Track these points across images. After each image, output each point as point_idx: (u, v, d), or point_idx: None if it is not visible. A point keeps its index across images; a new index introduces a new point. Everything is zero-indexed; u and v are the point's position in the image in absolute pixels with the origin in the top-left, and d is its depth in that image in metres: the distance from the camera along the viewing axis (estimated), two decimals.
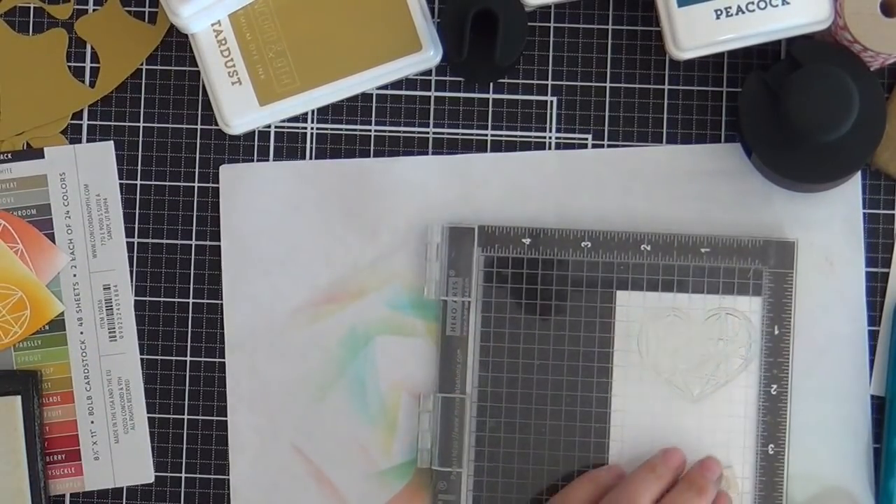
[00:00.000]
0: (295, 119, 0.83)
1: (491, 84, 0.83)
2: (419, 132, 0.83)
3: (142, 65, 0.84)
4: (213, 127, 0.84)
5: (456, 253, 0.81)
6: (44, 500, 0.81)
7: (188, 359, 0.83)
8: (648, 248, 0.81)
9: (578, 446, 0.80)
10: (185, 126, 0.84)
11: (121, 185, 0.84)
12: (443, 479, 0.80)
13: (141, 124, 0.84)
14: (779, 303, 0.80)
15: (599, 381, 0.80)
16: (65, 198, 0.83)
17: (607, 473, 0.79)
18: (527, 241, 0.81)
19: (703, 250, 0.80)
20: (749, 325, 0.80)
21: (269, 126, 0.84)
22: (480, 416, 0.81)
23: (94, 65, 0.84)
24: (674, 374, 0.80)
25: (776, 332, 0.80)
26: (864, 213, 0.82)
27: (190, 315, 0.83)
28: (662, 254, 0.81)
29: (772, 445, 0.80)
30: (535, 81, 0.83)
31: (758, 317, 0.80)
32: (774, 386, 0.80)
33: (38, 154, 0.84)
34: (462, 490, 0.80)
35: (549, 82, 0.83)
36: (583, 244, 0.81)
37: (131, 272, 0.83)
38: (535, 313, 0.81)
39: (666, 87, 0.83)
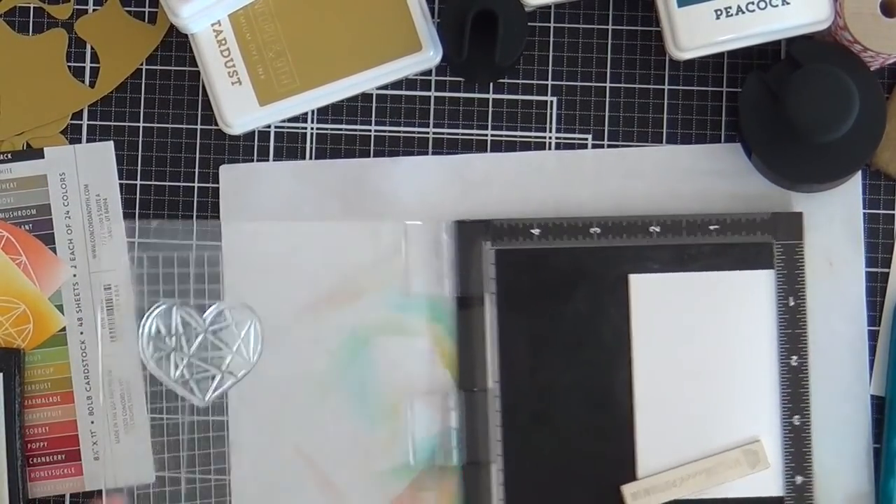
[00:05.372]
0: (295, 119, 0.83)
1: (491, 84, 0.83)
2: (419, 132, 0.83)
3: (142, 65, 0.84)
4: (213, 127, 0.84)
5: (465, 248, 0.81)
6: (20, 477, 0.81)
7: None
8: (658, 229, 0.81)
9: (604, 431, 0.80)
10: (185, 126, 0.84)
11: (121, 185, 0.84)
12: (471, 475, 0.81)
13: (141, 124, 0.84)
14: (791, 274, 0.80)
15: (619, 367, 0.81)
16: (65, 198, 0.83)
17: None
18: (536, 231, 0.81)
19: (711, 227, 0.81)
20: (763, 298, 0.80)
21: (269, 126, 0.84)
22: (504, 410, 0.81)
23: (93, 65, 0.84)
24: (690, 351, 0.80)
25: (791, 303, 0.80)
26: (864, 213, 0.82)
27: None
28: (672, 234, 0.81)
29: (797, 416, 0.80)
30: (535, 81, 0.83)
31: (771, 289, 0.80)
32: (794, 357, 0.80)
33: (37, 154, 0.84)
34: (492, 484, 0.80)
35: (549, 82, 0.83)
36: (592, 230, 0.81)
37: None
38: (550, 303, 0.81)
39: (666, 87, 0.83)
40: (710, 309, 0.81)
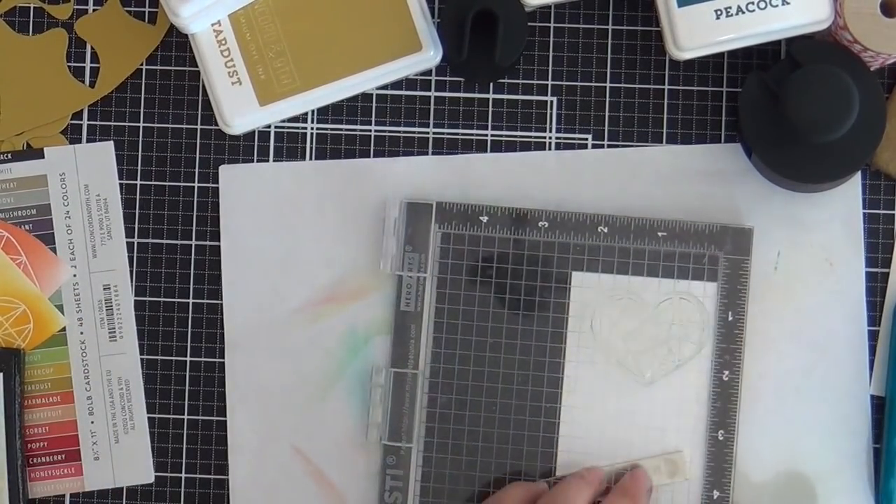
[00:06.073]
0: (295, 119, 0.83)
1: (491, 84, 0.83)
2: (419, 132, 0.83)
3: (142, 65, 0.84)
4: (213, 127, 0.84)
5: (413, 228, 0.81)
6: (20, 477, 0.81)
7: (188, 359, 0.83)
8: (605, 230, 0.81)
9: (529, 426, 0.80)
10: (185, 126, 0.84)
11: (121, 185, 0.84)
12: (392, 453, 0.80)
13: (141, 124, 0.84)
14: (734, 289, 0.80)
15: (552, 362, 0.81)
16: (65, 198, 0.83)
17: (537, 484, 0.79)
18: (484, 219, 0.81)
19: (660, 234, 0.81)
20: (702, 310, 0.80)
21: (269, 126, 0.84)
22: (432, 393, 0.81)
23: (94, 65, 0.84)
24: (626, 356, 0.80)
25: (730, 318, 0.80)
26: (864, 213, 0.82)
27: (190, 315, 0.83)
28: (619, 236, 0.81)
29: (722, 431, 0.80)
30: (535, 81, 0.83)
31: (712, 302, 0.80)
32: (726, 372, 0.80)
33: (38, 154, 0.84)
34: (411, 466, 0.80)
35: (549, 82, 0.83)
36: (540, 224, 0.81)
37: (131, 272, 0.83)
38: (490, 292, 0.81)
39: (666, 87, 0.83)
40: (648, 316, 0.80)
